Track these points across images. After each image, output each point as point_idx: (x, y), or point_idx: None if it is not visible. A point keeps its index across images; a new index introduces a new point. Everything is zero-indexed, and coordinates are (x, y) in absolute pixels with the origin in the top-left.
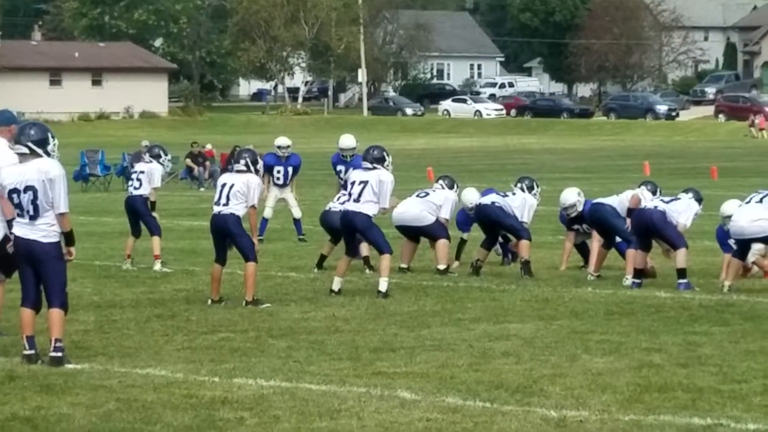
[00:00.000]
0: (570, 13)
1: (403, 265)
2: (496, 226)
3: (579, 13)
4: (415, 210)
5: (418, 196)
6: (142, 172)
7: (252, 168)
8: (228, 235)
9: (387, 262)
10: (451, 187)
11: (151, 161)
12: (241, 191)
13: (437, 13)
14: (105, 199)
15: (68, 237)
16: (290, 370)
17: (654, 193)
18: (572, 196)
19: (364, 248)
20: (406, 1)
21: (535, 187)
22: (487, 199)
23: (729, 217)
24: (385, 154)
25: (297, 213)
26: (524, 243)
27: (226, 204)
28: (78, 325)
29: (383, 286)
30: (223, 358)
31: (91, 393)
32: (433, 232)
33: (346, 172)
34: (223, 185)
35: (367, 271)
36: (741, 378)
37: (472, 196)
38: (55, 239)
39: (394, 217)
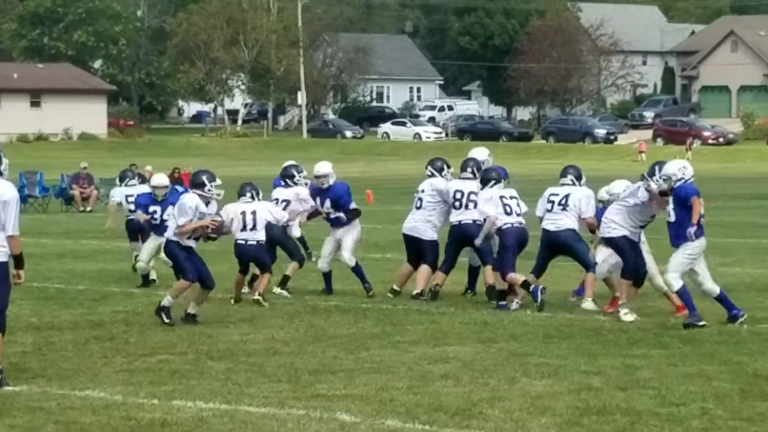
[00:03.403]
0: (509, 36)
1: (396, 288)
2: (471, 245)
3: (518, 37)
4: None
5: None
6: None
7: (257, 198)
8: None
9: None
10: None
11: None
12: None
13: (377, 36)
14: (43, 221)
15: (18, 260)
16: (229, 392)
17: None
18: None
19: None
20: (346, 24)
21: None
22: (469, 218)
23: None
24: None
25: None
26: (489, 268)
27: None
28: (16, 347)
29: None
30: (162, 380)
31: (29, 415)
32: (425, 252)
33: (323, 201)
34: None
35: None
36: (679, 401)
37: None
38: (3, 259)
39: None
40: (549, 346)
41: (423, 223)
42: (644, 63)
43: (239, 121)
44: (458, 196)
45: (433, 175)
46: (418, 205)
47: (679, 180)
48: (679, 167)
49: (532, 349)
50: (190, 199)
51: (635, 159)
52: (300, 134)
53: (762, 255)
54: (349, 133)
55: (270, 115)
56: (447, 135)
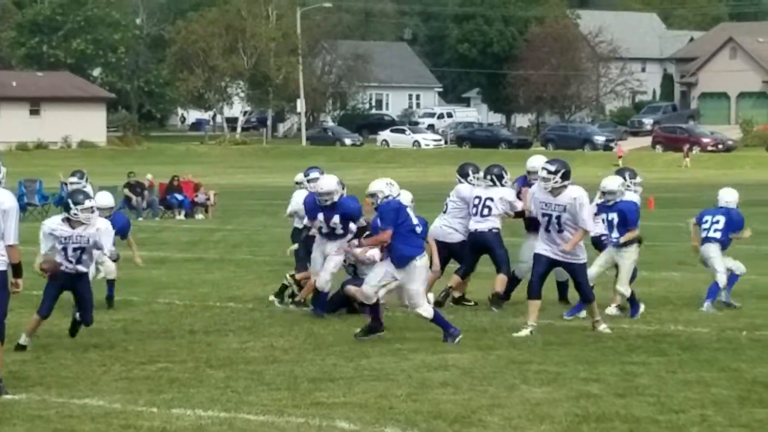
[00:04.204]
0: (508, 44)
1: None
2: (488, 253)
3: (517, 44)
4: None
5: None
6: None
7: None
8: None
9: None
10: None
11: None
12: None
13: (376, 43)
14: None
15: (16, 269)
16: (228, 400)
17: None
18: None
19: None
20: (345, 31)
21: (504, 174)
22: (484, 226)
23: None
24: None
25: None
26: (501, 277)
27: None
28: (15, 355)
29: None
30: (161, 388)
31: (29, 423)
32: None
33: (329, 217)
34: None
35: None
36: (678, 408)
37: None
38: (1, 268)
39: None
40: (548, 353)
41: (442, 228)
42: (643, 70)
43: (238, 129)
44: (476, 202)
45: (460, 182)
46: (444, 209)
47: (386, 197)
48: (387, 183)
49: (531, 357)
50: (48, 224)
51: (615, 164)
52: (299, 142)
53: (761, 261)
54: (348, 141)
55: (269, 122)
56: (446, 142)
